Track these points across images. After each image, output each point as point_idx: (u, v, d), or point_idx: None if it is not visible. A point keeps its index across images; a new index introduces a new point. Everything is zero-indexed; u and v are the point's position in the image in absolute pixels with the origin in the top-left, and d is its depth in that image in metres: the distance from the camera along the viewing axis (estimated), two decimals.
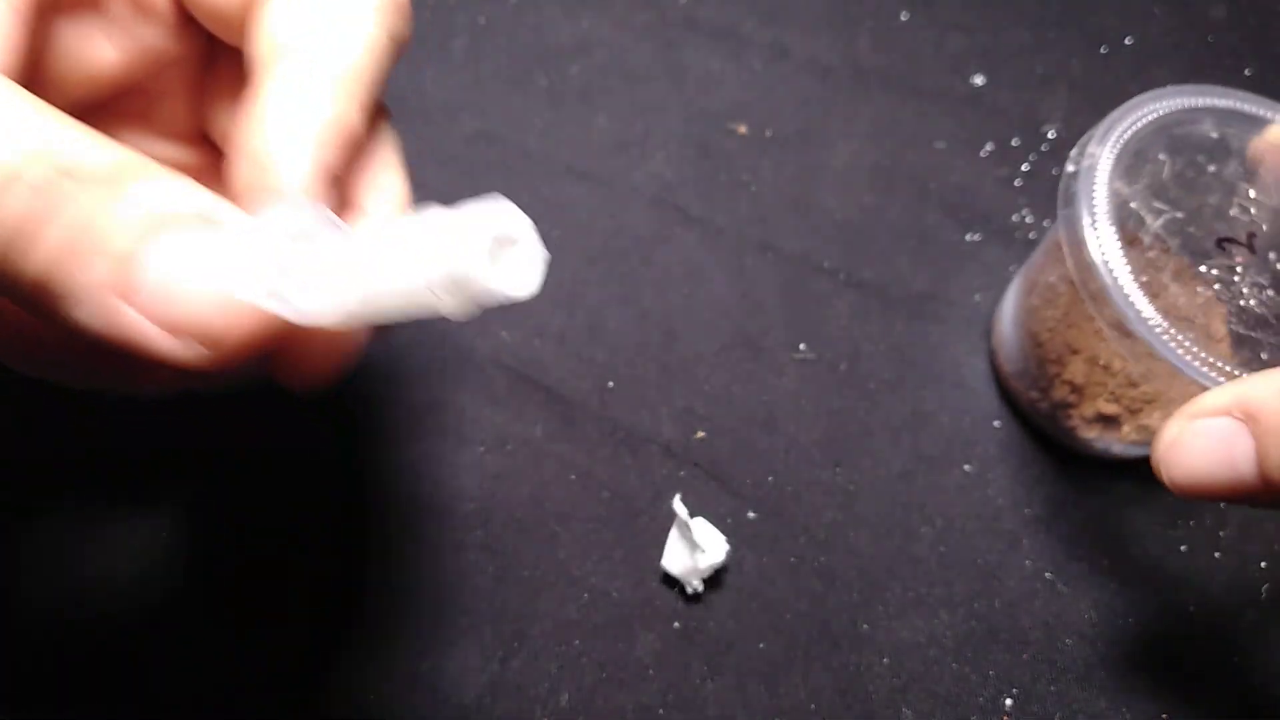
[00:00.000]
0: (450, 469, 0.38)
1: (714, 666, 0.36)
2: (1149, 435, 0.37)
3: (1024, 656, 0.36)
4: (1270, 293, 0.33)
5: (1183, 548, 0.38)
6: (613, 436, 0.39)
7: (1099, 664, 0.36)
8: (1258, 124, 0.35)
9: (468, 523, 0.38)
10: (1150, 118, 0.35)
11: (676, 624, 0.36)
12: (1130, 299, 0.31)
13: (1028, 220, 0.45)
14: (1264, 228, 0.34)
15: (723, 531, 0.37)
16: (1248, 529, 0.39)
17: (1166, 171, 0.35)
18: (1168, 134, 0.35)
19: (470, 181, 0.45)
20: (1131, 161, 0.34)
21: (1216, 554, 0.38)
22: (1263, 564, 0.38)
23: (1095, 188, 0.33)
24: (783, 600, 0.37)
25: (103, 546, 0.36)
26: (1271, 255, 0.34)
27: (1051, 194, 0.44)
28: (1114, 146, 0.34)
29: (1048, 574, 0.37)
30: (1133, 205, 0.34)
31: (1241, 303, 0.33)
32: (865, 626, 0.36)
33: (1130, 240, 0.33)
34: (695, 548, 0.36)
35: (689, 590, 0.36)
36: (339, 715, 0.34)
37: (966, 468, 0.39)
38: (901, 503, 0.39)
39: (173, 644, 0.35)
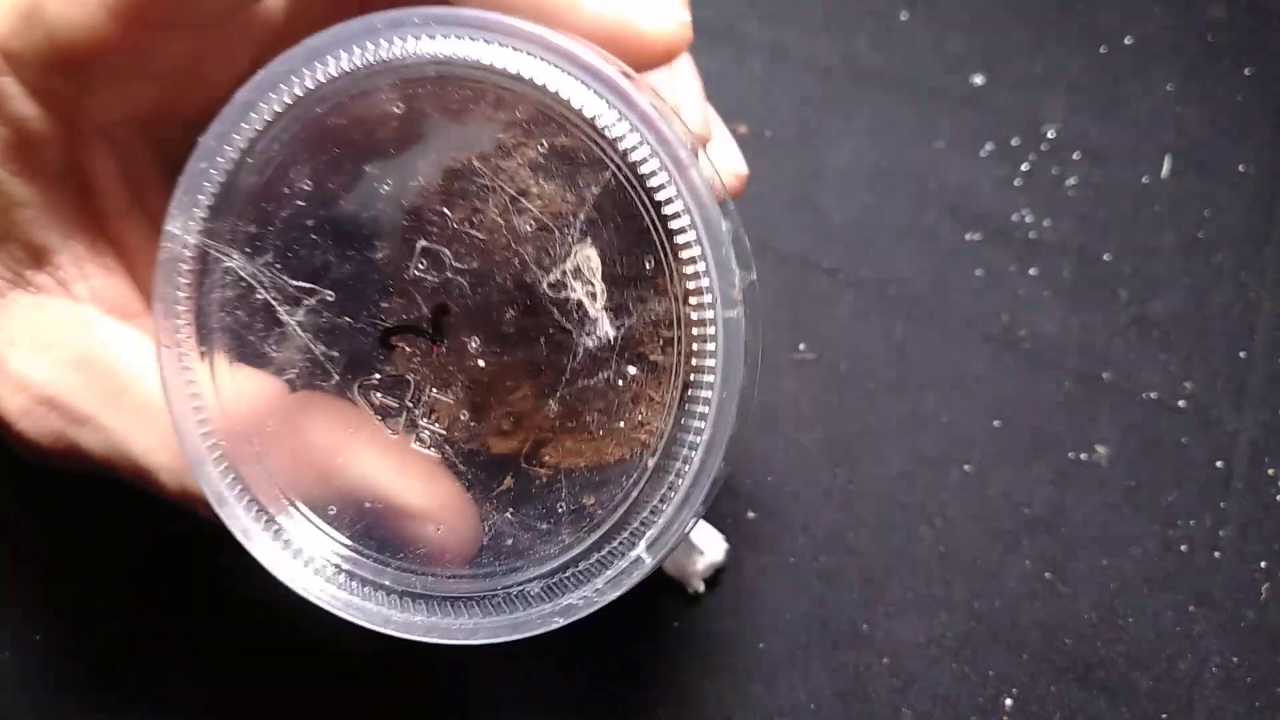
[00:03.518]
0: None
1: (714, 666, 0.36)
2: None
3: (1024, 656, 0.36)
4: (465, 414, 0.22)
5: (1183, 548, 0.38)
6: None
7: (1099, 664, 0.36)
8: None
9: None
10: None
11: (676, 624, 0.36)
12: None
13: (1028, 220, 0.45)
14: (466, 287, 0.21)
15: (722, 531, 0.37)
16: (1247, 529, 0.38)
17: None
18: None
19: None
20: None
21: (1216, 554, 0.38)
22: (1263, 564, 0.38)
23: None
24: (782, 600, 0.37)
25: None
26: (474, 343, 0.21)
27: (1052, 193, 0.44)
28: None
29: (1048, 574, 0.37)
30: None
31: (424, 433, 0.22)
32: (865, 626, 0.36)
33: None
34: (695, 548, 0.36)
35: (689, 591, 0.36)
36: (339, 715, 0.34)
37: (966, 468, 0.39)
38: (901, 503, 0.39)
39: (173, 648, 0.35)
